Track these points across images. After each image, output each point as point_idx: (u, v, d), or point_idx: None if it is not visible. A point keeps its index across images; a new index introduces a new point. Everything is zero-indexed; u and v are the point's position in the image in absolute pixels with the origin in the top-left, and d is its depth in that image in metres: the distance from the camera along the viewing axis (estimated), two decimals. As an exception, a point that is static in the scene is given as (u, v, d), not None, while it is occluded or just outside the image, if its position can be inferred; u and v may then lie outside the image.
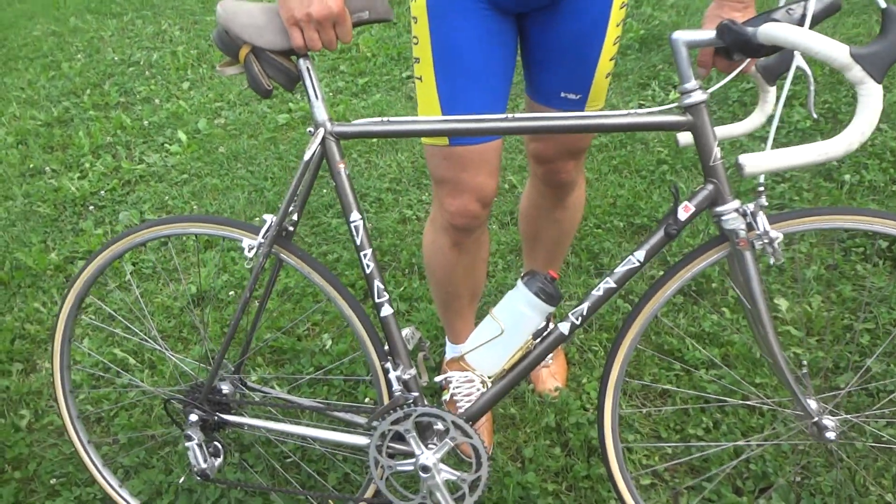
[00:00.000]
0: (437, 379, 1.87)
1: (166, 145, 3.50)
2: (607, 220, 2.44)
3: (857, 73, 0.99)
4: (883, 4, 1.03)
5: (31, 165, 3.45)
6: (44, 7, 6.25)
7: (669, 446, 1.72)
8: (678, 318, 2.05)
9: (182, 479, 1.70)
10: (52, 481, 1.76)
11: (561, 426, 1.78)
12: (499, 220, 2.57)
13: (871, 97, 1.00)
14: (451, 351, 1.89)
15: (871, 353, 1.87)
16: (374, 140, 3.17)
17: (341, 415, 1.46)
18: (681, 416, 1.79)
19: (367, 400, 1.88)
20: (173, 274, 2.51)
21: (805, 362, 1.85)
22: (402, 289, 2.26)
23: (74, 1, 6.21)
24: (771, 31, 1.06)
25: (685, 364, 1.89)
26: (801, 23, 1.10)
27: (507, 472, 1.67)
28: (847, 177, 2.49)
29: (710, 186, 1.19)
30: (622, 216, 2.45)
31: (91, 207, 3.02)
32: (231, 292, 2.35)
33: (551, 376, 1.90)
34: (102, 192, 3.13)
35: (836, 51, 0.99)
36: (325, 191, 2.87)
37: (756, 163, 1.10)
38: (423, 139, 1.47)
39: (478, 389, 1.79)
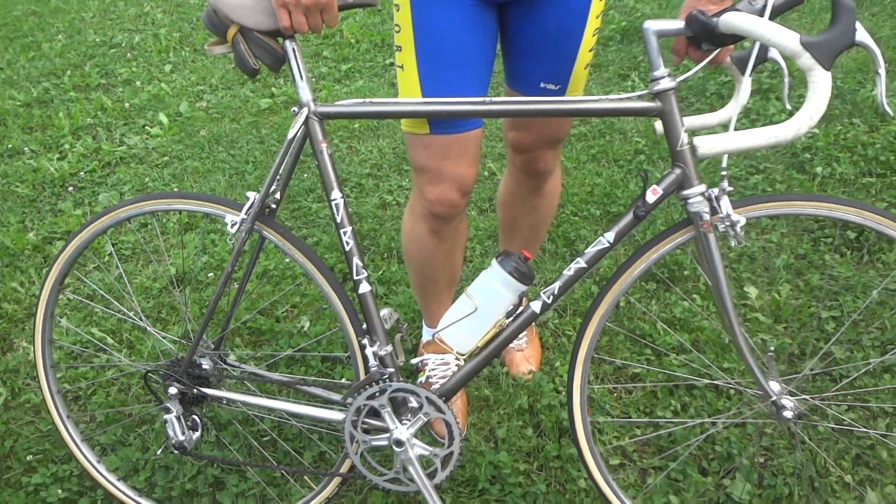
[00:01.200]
0: (414, 361, 1.90)
1: (147, 128, 3.49)
2: (584, 208, 2.48)
3: (806, 60, 1.05)
4: None
5: (10, 146, 3.42)
6: (23, -14, 6.17)
7: (636, 423, 1.77)
8: (650, 304, 2.10)
9: (160, 452, 1.72)
10: (29, 458, 1.77)
11: (533, 408, 1.82)
12: (477, 206, 2.60)
13: (819, 83, 1.05)
14: (427, 334, 1.92)
15: (836, 340, 1.92)
16: (356, 126, 3.19)
17: (317, 391, 1.49)
18: (651, 398, 1.84)
19: (343, 380, 1.91)
20: (153, 255, 2.52)
21: (772, 348, 1.91)
22: (380, 272, 2.28)
23: (55, -19, 6.13)
24: (730, 20, 1.11)
25: (656, 348, 1.94)
26: (762, 13, 1.14)
27: (480, 452, 1.71)
28: (819, 169, 2.55)
29: (677, 171, 1.24)
30: (599, 204, 2.49)
31: (70, 188, 3.01)
32: (210, 274, 2.36)
33: (525, 360, 1.94)
34: (82, 173, 3.12)
35: (786, 38, 1.05)
36: (305, 175, 2.88)
37: (710, 144, 1.17)
38: (404, 127, 1.49)
39: (453, 371, 1.82)
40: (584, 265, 1.32)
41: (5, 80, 4.22)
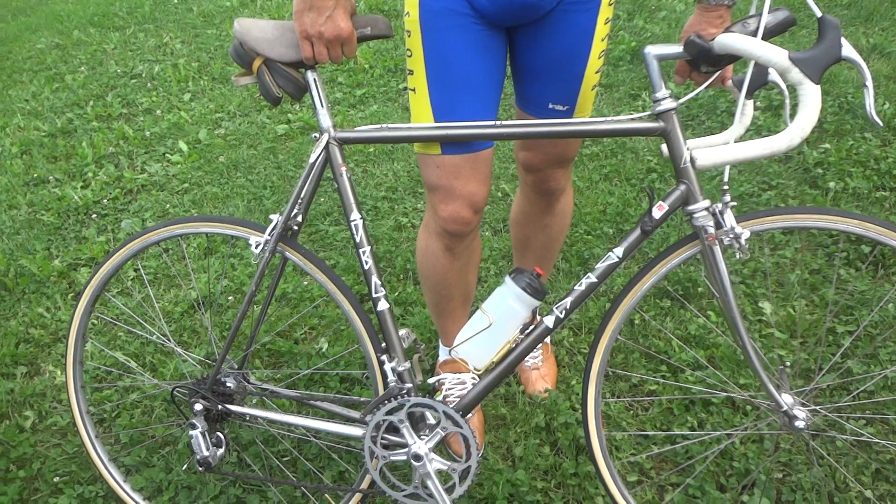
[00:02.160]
0: (431, 380, 1.93)
1: (168, 155, 3.57)
2: (597, 227, 2.50)
3: (795, 75, 1.10)
4: (819, 13, 1.13)
5: (35, 175, 3.51)
6: (47, 20, 6.35)
7: (650, 436, 1.77)
8: (665, 322, 2.11)
9: (185, 466, 1.75)
10: (56, 479, 1.81)
11: (550, 426, 1.84)
12: (491, 226, 2.63)
13: (809, 97, 1.11)
14: (443, 353, 1.95)
15: (851, 354, 1.92)
16: (372, 150, 3.24)
17: (337, 408, 1.52)
18: (667, 415, 1.84)
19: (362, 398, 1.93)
20: (174, 280, 2.57)
21: (787, 363, 1.92)
22: (396, 293, 2.32)
23: (78, 14, 6.30)
24: (723, 41, 1.17)
25: (672, 364, 1.95)
26: (755, 34, 1.19)
27: (497, 470, 1.72)
28: (832, 184, 2.56)
29: (682, 187, 1.28)
30: (612, 223, 2.52)
31: (94, 216, 3.08)
32: (230, 297, 2.40)
33: (541, 378, 1.96)
34: (105, 200, 3.19)
35: (776, 55, 1.10)
36: (322, 199, 2.93)
37: (708, 156, 1.23)
38: (417, 148, 1.54)
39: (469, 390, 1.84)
40: (595, 280, 1.35)
41: (31, 112, 4.33)
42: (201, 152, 3.53)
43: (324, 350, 2.11)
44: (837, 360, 1.90)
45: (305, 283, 2.40)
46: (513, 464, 1.76)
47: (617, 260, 1.34)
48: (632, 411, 1.87)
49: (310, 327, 2.23)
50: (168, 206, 3.09)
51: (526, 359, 1.95)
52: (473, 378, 1.89)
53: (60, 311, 2.47)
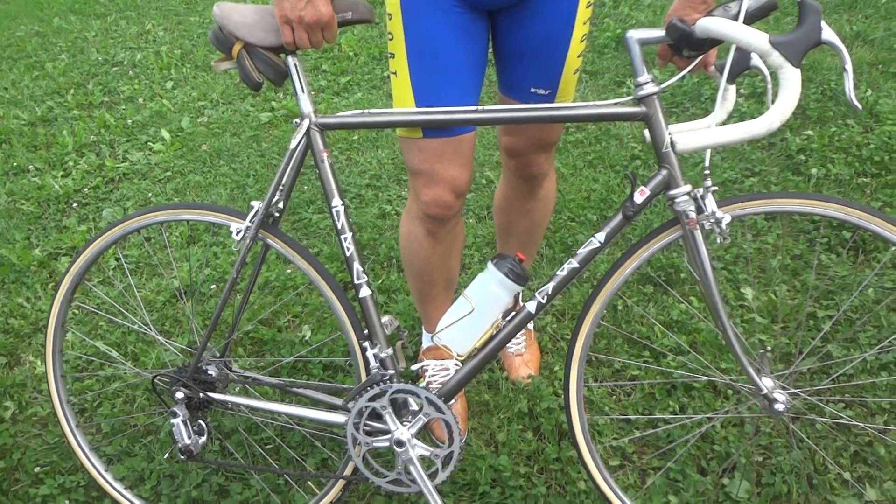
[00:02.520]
0: (414, 367, 1.93)
1: (150, 143, 3.53)
2: (581, 214, 2.50)
3: (776, 58, 1.10)
4: None
5: (15, 164, 3.47)
6: (27, 8, 6.25)
7: (632, 420, 1.78)
8: (648, 307, 2.12)
9: (167, 455, 1.74)
10: (37, 469, 1.79)
11: (533, 412, 1.84)
12: (475, 213, 2.62)
13: (789, 80, 1.11)
14: (426, 340, 1.95)
15: (830, 338, 1.94)
16: (356, 137, 3.22)
17: (320, 395, 1.51)
18: (649, 400, 1.85)
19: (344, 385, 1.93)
20: (156, 269, 2.55)
21: (769, 347, 1.93)
22: (380, 281, 2.31)
23: (58, 1, 6.21)
24: (704, 24, 1.18)
25: (654, 349, 1.96)
26: (736, 18, 1.19)
27: (480, 456, 1.72)
28: (814, 170, 2.57)
29: (663, 172, 1.28)
30: (596, 209, 2.52)
31: (75, 205, 3.05)
32: (213, 286, 2.39)
33: (524, 364, 1.96)
34: (86, 189, 3.16)
35: (756, 38, 1.10)
36: (305, 187, 2.91)
37: (688, 140, 1.23)
38: (399, 132, 1.53)
39: (452, 376, 1.84)
40: (577, 265, 1.35)
41: (10, 100, 4.27)
42: (184, 140, 3.50)
43: (307, 338, 2.10)
44: (817, 345, 1.92)
45: (289, 270, 2.39)
46: (496, 449, 1.76)
47: (599, 245, 1.34)
48: (614, 396, 1.88)
49: (293, 315, 2.22)
50: (150, 194, 3.06)
51: (509, 345, 1.96)
52: (456, 364, 1.89)
53: (40, 300, 2.44)
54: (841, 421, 1.72)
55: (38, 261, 2.65)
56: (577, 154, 2.88)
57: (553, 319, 2.12)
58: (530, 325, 2.05)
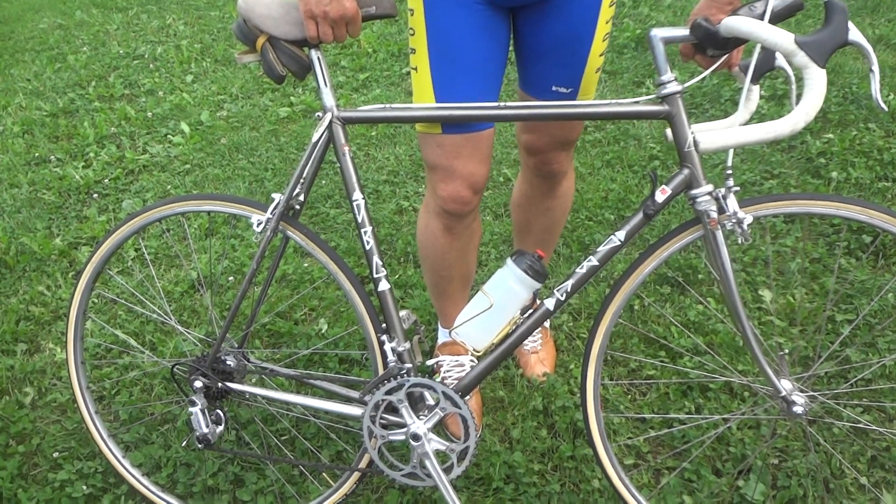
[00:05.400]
0: (429, 362, 1.93)
1: (169, 136, 3.56)
2: (599, 214, 2.50)
3: (801, 58, 1.09)
4: None
5: (37, 154, 3.51)
6: (50, 1, 6.32)
7: (649, 419, 1.78)
8: (665, 307, 2.11)
9: (184, 443, 1.75)
10: (55, 455, 1.82)
11: (548, 409, 1.84)
12: (493, 211, 2.63)
13: (814, 81, 1.10)
14: (442, 336, 1.95)
15: (849, 342, 1.92)
16: (374, 133, 3.23)
17: (337, 388, 1.52)
18: (665, 400, 1.85)
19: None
20: (174, 260, 2.57)
21: (786, 350, 1.92)
22: (397, 276, 2.32)
23: (80, -5, 6.27)
24: (730, 24, 1.17)
25: (671, 348, 1.95)
26: (762, 17, 1.18)
27: (495, 452, 1.73)
28: (834, 174, 2.55)
29: (685, 171, 1.27)
30: (613, 209, 2.52)
31: (95, 195, 3.08)
32: (231, 278, 2.41)
33: (540, 362, 1.96)
34: (106, 180, 3.19)
35: (781, 38, 1.10)
36: (324, 182, 2.93)
37: (711, 139, 1.22)
38: (418, 127, 1.54)
39: (468, 372, 1.85)
40: (597, 263, 1.35)
41: (32, 91, 4.32)
42: (203, 134, 3.53)
43: (323, 331, 2.11)
44: (836, 349, 1.91)
45: (306, 264, 2.40)
46: (510, 446, 1.76)
47: (619, 243, 1.34)
48: (630, 396, 1.88)
49: (309, 308, 2.23)
50: (169, 186, 3.09)
51: (525, 342, 1.96)
52: (472, 360, 1.89)
53: (61, 289, 2.47)
54: (859, 425, 1.71)
55: (58, 250, 2.68)
56: (595, 154, 2.88)
57: (569, 318, 2.12)
58: (546, 324, 2.05)
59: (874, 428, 1.70)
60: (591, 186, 2.65)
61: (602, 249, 1.35)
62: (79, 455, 1.81)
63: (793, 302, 2.07)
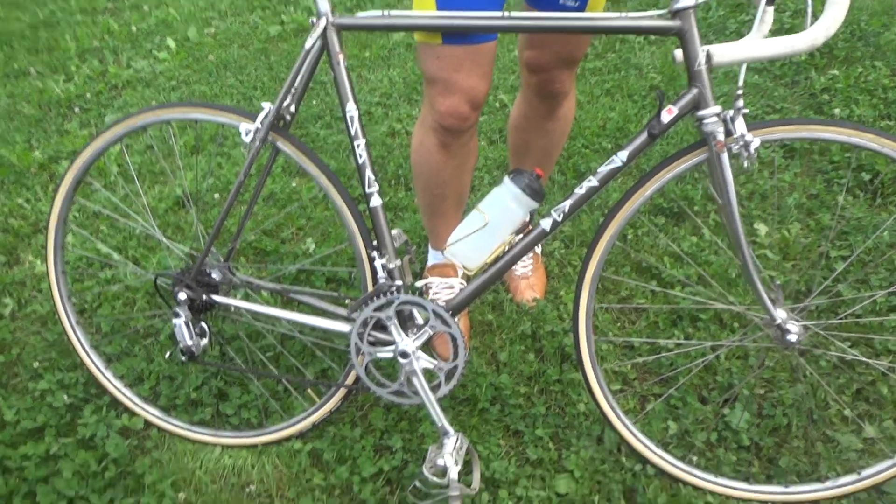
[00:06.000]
0: (418, 284, 1.90)
1: (155, 52, 3.43)
2: (596, 142, 2.44)
3: None
4: None
5: (16, 66, 3.38)
6: None
7: (639, 344, 1.77)
8: (658, 238, 2.08)
9: (168, 354, 1.73)
10: (35, 365, 1.79)
11: (536, 334, 1.83)
12: (487, 136, 2.56)
13: None
14: (433, 258, 1.91)
15: (842, 278, 1.91)
16: (367, 55, 3.13)
17: (324, 305, 1.49)
18: (654, 329, 1.83)
19: (347, 302, 1.91)
20: (158, 177, 2.50)
21: (779, 283, 1.90)
22: (387, 198, 2.27)
23: None
24: None
25: (663, 280, 1.93)
26: None
27: (481, 374, 1.72)
28: (837, 111, 2.50)
29: (693, 90, 1.23)
30: (611, 138, 2.46)
31: (76, 109, 2.98)
32: (216, 195, 2.35)
33: (530, 287, 1.93)
34: (88, 95, 3.09)
35: None
36: (314, 101, 2.84)
37: (725, 52, 1.17)
38: (417, 37, 1.46)
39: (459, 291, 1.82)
40: (597, 184, 1.32)
41: (11, 2, 4.14)
42: (190, 50, 3.40)
43: (311, 250, 2.07)
44: (829, 284, 1.89)
45: (294, 184, 2.34)
46: (497, 368, 1.75)
47: (620, 164, 1.30)
48: (619, 323, 1.87)
49: (297, 228, 2.19)
50: (154, 102, 2.99)
51: (515, 267, 1.93)
52: (461, 283, 1.86)
53: (40, 202, 2.40)
54: (848, 356, 1.71)
55: (38, 163, 2.60)
56: (594, 82, 2.80)
57: (561, 245, 2.08)
58: (538, 249, 2.02)
59: (863, 359, 1.70)
60: (588, 115, 2.58)
61: (603, 170, 1.32)
62: (59, 366, 1.78)
63: (787, 237, 2.04)
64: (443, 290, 1.84)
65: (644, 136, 1.28)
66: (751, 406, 1.64)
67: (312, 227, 2.19)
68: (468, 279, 1.45)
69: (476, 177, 2.32)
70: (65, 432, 1.61)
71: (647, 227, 2.12)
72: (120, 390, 1.63)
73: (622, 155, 1.29)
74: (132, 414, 1.63)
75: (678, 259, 2.00)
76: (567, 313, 1.87)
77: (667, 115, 1.26)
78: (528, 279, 1.93)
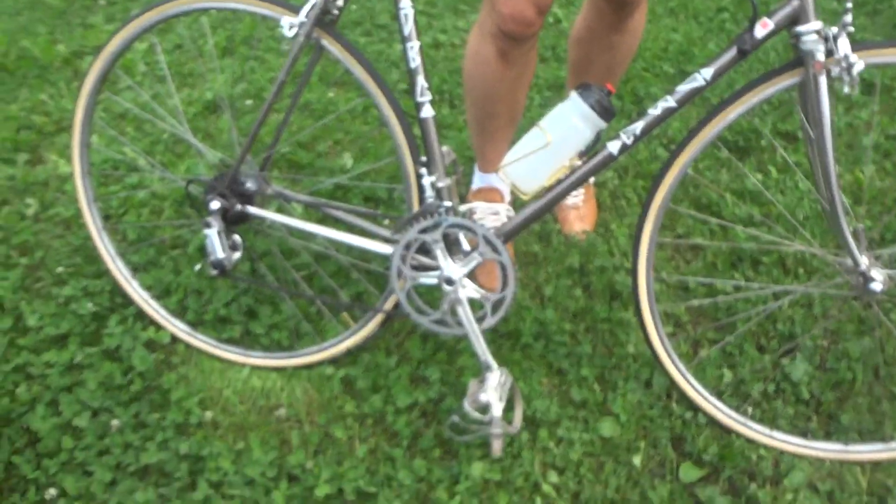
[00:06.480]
0: (462, 208, 1.78)
1: (184, -54, 3.23)
2: (657, 65, 2.27)
3: None
4: None
5: (38, -47, 3.20)
6: None
7: (705, 283, 1.65)
8: (720, 174, 1.94)
9: (198, 267, 1.64)
10: (59, 270, 1.71)
11: (585, 268, 1.71)
12: (539, 54, 2.38)
13: None
14: (479, 180, 1.79)
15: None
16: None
17: (364, 223, 1.38)
18: (711, 270, 1.72)
19: (386, 222, 1.80)
20: (187, 79, 2.37)
21: (863, 228, 1.76)
22: (430, 115, 2.13)
23: None
24: None
25: (726, 217, 1.80)
26: None
27: (525, 307, 1.62)
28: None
29: (793, 3, 1.08)
30: (673, 62, 2.28)
31: (101, 2, 2.83)
32: (249, 101, 2.21)
33: (580, 219, 1.81)
34: (114, -13, 2.92)
35: None
36: (354, 7, 2.66)
37: None
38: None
39: (503, 222, 1.71)
40: (674, 104, 1.19)
41: None
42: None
43: (348, 166, 1.95)
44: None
45: (331, 94, 2.20)
46: (541, 303, 1.65)
47: (703, 83, 1.17)
48: (673, 262, 1.75)
49: (333, 141, 2.06)
50: None
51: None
52: (508, 209, 1.74)
53: (64, 99, 2.28)
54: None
55: (61, 57, 2.47)
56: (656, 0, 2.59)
57: (614, 175, 1.95)
58: (591, 179, 1.88)
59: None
60: (650, 35, 2.39)
61: (682, 89, 1.18)
62: (84, 272, 1.70)
63: (861, 179, 1.89)
64: (488, 215, 1.72)
65: (733, 51, 1.14)
66: (813, 358, 1.53)
67: (350, 141, 2.06)
68: (514, 206, 1.34)
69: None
70: (89, 341, 1.55)
71: (709, 161, 1.96)
72: (147, 301, 1.56)
73: (706, 73, 1.16)
74: (158, 327, 1.56)
75: (741, 196, 1.85)
76: (618, 248, 1.75)
77: (761, 28, 1.12)
78: (578, 210, 1.81)
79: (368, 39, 2.47)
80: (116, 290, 1.61)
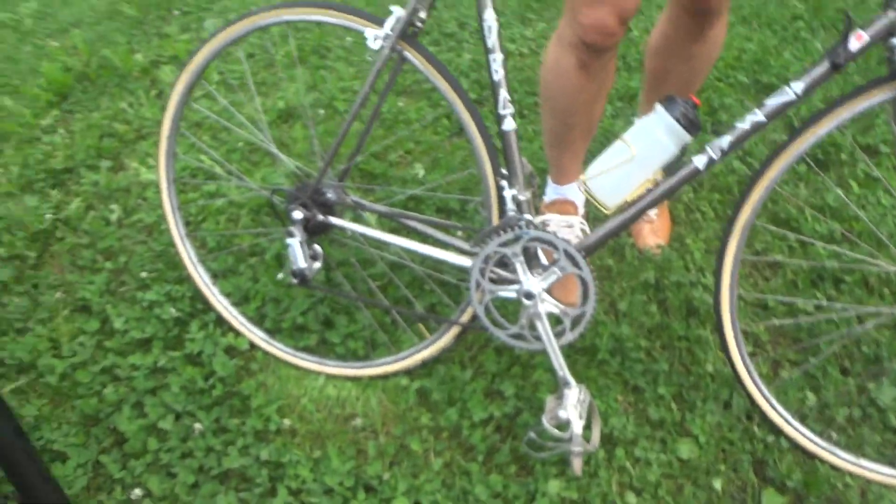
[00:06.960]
0: (536, 220, 1.77)
1: (256, -45, 3.30)
2: (731, 74, 2.22)
3: None
4: None
5: (116, -36, 3.31)
6: None
7: (773, 303, 1.61)
8: (799, 188, 1.89)
9: (280, 276, 1.67)
10: (143, 275, 1.76)
11: (660, 283, 1.69)
12: (609, 64, 2.36)
13: None
14: (552, 192, 1.78)
15: None
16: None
17: (443, 236, 1.39)
18: (791, 288, 1.67)
19: (459, 234, 1.80)
20: (260, 87, 2.41)
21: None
22: (499, 126, 2.12)
23: None
24: None
25: (811, 235, 1.75)
26: None
27: (601, 322, 1.60)
28: None
29: (891, 14, 1.05)
30: (748, 72, 2.23)
31: (176, 13, 2.91)
32: (321, 111, 2.25)
33: (653, 233, 1.79)
34: (188, -3, 3.00)
35: None
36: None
37: None
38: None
39: (577, 236, 1.70)
40: (763, 119, 1.17)
41: None
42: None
43: (420, 176, 1.96)
44: None
45: (401, 103, 2.22)
46: (616, 318, 1.63)
47: (794, 97, 1.14)
48: (752, 279, 1.71)
49: (405, 151, 2.07)
50: (254, 7, 2.87)
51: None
52: (582, 222, 1.73)
53: (143, 107, 2.36)
54: None
55: (140, 67, 2.55)
56: (730, 7, 2.53)
57: (689, 188, 1.91)
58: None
59: None
60: (723, 44, 2.34)
61: (771, 103, 1.16)
62: (166, 278, 1.75)
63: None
64: (562, 228, 1.71)
65: (825, 65, 1.11)
66: (901, 383, 1.48)
67: (421, 151, 2.07)
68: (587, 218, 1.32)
69: (596, 107, 2.14)
70: (172, 346, 1.59)
71: (787, 176, 1.91)
72: (227, 308, 1.59)
73: (797, 86, 1.13)
74: (237, 333, 1.59)
75: (821, 212, 1.80)
76: (694, 263, 1.72)
77: (855, 41, 1.09)
78: (652, 223, 1.78)
79: (436, 49, 2.48)
80: (197, 296, 1.66)
